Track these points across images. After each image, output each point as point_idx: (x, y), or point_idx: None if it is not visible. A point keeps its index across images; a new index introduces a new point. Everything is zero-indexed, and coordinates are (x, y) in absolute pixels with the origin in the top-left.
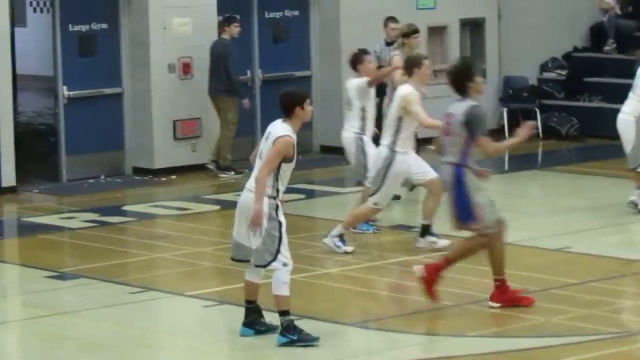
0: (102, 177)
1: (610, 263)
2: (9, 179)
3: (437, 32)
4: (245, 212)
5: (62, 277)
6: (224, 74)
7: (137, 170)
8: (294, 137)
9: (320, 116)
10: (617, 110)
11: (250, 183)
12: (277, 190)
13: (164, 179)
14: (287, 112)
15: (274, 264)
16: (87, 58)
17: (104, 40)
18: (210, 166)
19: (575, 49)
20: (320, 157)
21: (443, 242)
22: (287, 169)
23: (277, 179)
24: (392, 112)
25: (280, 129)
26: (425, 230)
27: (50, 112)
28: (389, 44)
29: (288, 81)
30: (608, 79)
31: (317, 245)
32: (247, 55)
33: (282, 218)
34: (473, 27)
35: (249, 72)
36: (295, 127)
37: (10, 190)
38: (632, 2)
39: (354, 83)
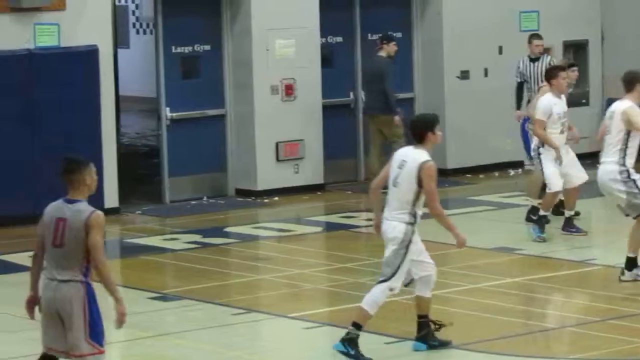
0: (205, 198)
1: None
2: (112, 200)
3: None
4: (386, 241)
5: (164, 298)
6: (381, 92)
7: (240, 192)
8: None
9: None
10: None
11: (389, 212)
12: (415, 216)
13: (266, 200)
14: (418, 138)
15: (384, 285)
16: (190, 80)
17: (207, 61)
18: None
19: None
20: None
21: None
22: (423, 194)
23: (414, 205)
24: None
25: (418, 155)
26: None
27: (153, 133)
28: (533, 60)
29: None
30: None
31: None
32: (349, 78)
33: (412, 246)
34: (576, 49)
35: (351, 93)
36: (429, 152)
37: (114, 211)
38: None
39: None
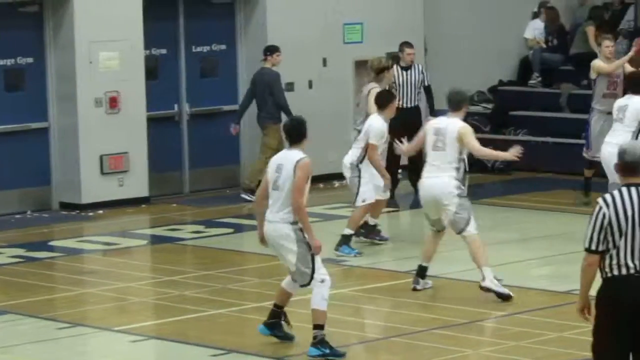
0: (29, 212)
1: (538, 295)
2: None
3: (364, 65)
4: (272, 244)
5: None
6: (271, 102)
7: (65, 206)
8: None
9: (247, 151)
10: (544, 144)
11: (271, 214)
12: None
13: (91, 214)
14: (296, 140)
15: (313, 283)
16: (13, 92)
17: (31, 74)
18: (246, 196)
19: (501, 83)
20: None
21: None
22: (306, 192)
23: None
24: None
25: (294, 154)
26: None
27: None
28: (405, 68)
29: (215, 115)
30: (534, 112)
31: (246, 279)
32: (174, 89)
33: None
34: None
35: (176, 105)
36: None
37: None
38: (557, 35)
39: None
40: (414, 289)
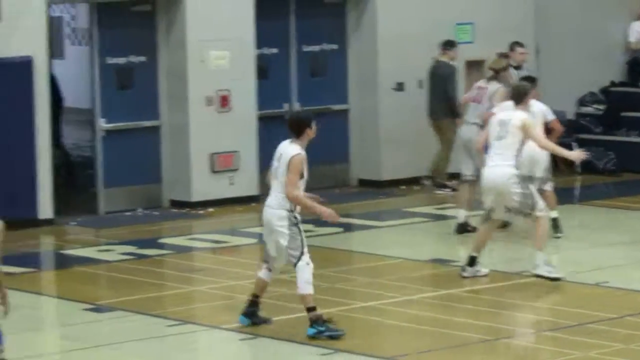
0: (140, 209)
1: None
2: (47, 211)
3: (475, 65)
4: (268, 226)
5: (99, 309)
6: (444, 96)
7: (175, 203)
8: (304, 154)
9: (358, 149)
10: None
11: (271, 200)
12: (295, 205)
13: (201, 212)
14: (296, 133)
15: (300, 263)
16: (124, 90)
17: (142, 72)
18: (426, 182)
19: (613, 84)
20: (357, 190)
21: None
22: (301, 185)
23: None
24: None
25: (291, 149)
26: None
27: (89, 144)
28: (516, 68)
29: (326, 115)
30: None
31: (354, 279)
32: (284, 89)
33: (301, 225)
34: None
35: (286, 104)
36: (304, 145)
37: (48, 222)
38: None
39: None
40: (462, 277)
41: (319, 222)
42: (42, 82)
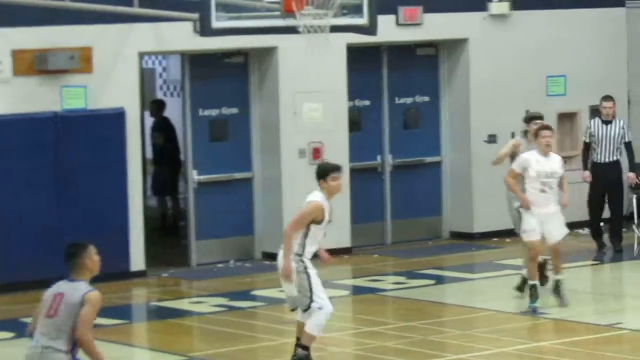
0: (232, 262)
1: None
2: (139, 264)
3: (567, 118)
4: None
5: None
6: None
7: (268, 256)
8: (326, 204)
9: (451, 202)
10: None
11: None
12: (304, 249)
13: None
14: (318, 183)
15: (311, 309)
16: (217, 143)
17: (235, 125)
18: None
19: None
20: (450, 243)
21: None
22: (316, 231)
23: (305, 238)
24: None
25: (313, 196)
26: None
27: (181, 196)
28: (605, 122)
29: (419, 167)
30: None
31: (446, 331)
32: (376, 141)
33: (310, 271)
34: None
35: (379, 157)
36: (327, 196)
37: (140, 274)
38: None
39: None
40: None
41: (412, 274)
42: (134, 134)
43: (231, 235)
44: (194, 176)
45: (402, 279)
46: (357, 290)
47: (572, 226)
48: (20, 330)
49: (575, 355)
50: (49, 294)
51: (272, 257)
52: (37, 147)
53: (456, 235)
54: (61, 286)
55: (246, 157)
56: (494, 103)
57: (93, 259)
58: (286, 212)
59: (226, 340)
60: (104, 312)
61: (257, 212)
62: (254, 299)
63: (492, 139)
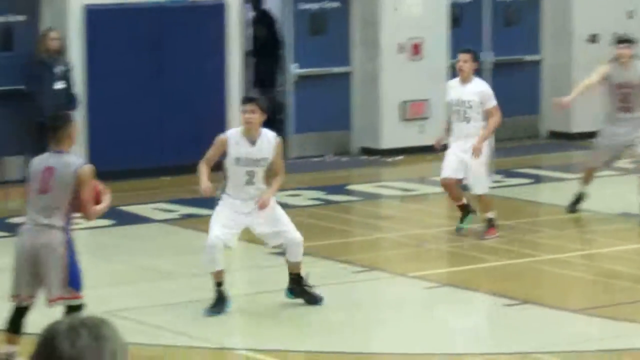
0: (329, 155)
1: None
2: None
3: None
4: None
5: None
6: None
7: (364, 150)
8: (224, 135)
9: (549, 101)
10: None
11: None
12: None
13: (390, 159)
14: None
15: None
16: (316, 36)
17: (334, 18)
18: None
19: None
20: (548, 142)
21: None
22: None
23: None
24: None
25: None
26: None
27: (279, 89)
28: None
29: (518, 65)
30: None
31: (541, 230)
32: (477, 38)
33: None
34: None
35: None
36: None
37: None
38: None
39: None
40: None
41: (509, 173)
42: (234, 27)
43: (328, 129)
44: (294, 69)
45: (500, 177)
46: None
47: None
48: (120, 217)
49: None
50: (36, 168)
51: (369, 152)
52: (139, 37)
53: (554, 135)
54: (47, 159)
55: (345, 51)
56: (596, 2)
57: (76, 129)
58: (384, 107)
59: (321, 234)
60: (195, 202)
61: (354, 106)
62: (349, 193)
63: (593, 39)
